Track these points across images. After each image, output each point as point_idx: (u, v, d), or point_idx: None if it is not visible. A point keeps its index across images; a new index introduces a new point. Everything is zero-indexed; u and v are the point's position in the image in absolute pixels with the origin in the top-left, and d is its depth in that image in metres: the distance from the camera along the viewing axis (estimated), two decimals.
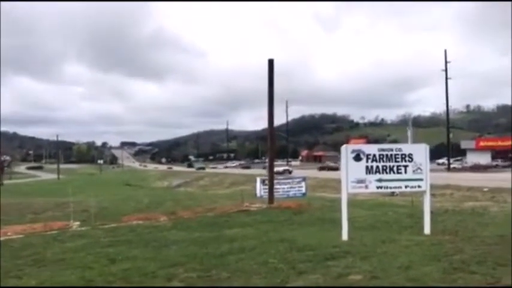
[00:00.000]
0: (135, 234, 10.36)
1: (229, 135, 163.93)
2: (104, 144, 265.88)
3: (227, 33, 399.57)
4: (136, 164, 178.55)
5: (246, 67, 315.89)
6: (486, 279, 5.70)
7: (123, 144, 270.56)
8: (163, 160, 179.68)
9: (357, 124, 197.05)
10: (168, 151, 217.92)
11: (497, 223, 10.42)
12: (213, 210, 14.85)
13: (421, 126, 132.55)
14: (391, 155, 9.12)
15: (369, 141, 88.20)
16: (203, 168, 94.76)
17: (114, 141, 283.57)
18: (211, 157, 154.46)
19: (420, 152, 9.27)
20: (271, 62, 17.35)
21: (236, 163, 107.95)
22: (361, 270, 6.26)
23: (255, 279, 5.99)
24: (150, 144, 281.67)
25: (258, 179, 18.75)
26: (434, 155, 75.41)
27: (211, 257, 7.39)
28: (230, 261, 7.03)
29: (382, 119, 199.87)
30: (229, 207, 15.39)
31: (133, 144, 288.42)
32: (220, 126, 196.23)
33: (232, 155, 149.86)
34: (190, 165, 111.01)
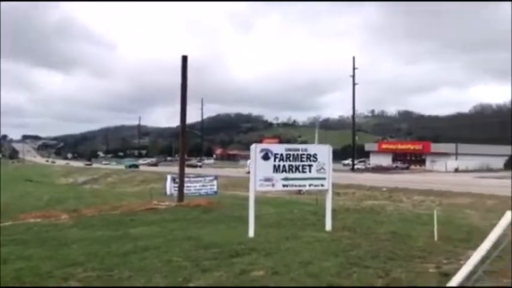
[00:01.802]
0: (32, 233, 9.72)
1: (141, 131, 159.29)
2: (4, 137, 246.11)
3: (140, 27, 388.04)
4: (39, 159, 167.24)
5: (160, 62, 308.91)
6: (377, 273, 6.10)
7: (25, 138, 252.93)
8: (69, 156, 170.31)
9: (271, 124, 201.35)
10: (74, 146, 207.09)
11: (392, 221, 11.19)
12: (119, 208, 14.36)
13: (330, 128, 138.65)
14: (297, 154, 9.43)
15: (281, 142, 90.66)
16: (136, 166, 78.64)
17: (14, 134, 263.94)
18: (121, 153, 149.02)
19: (324, 152, 9.68)
20: (185, 59, 17.14)
21: (148, 160, 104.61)
22: (264, 266, 6.39)
23: (157, 278, 5.88)
24: (55, 138, 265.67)
25: (169, 177, 18.45)
26: (341, 156, 79.67)
27: (113, 256, 7.13)
28: (133, 260, 6.84)
29: (295, 121, 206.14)
30: (136, 205, 14.96)
31: (36, 137, 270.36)
32: (133, 122, 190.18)
33: (144, 152, 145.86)
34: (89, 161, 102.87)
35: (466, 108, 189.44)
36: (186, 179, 17.38)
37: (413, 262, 6.72)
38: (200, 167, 64.16)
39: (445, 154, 68.05)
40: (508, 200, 15.65)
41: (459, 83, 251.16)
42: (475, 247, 7.60)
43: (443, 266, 6.50)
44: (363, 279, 5.80)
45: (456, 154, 68.41)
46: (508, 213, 3.02)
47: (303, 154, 9.46)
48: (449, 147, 70.02)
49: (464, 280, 3.12)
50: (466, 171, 58.17)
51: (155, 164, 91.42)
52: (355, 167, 63.70)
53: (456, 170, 60.96)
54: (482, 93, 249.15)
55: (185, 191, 16.74)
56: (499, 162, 65.91)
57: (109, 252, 7.45)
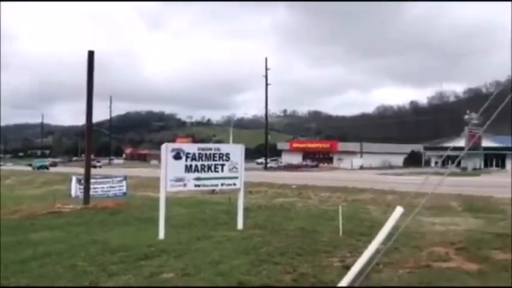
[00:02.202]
0: None
1: (44, 130, 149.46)
2: None
3: (44, 19, 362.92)
4: None
5: (65, 58, 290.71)
6: (286, 269, 6.28)
7: None
8: None
9: (184, 123, 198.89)
10: None
11: (301, 217, 11.59)
12: (18, 212, 13.34)
13: (244, 127, 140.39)
14: (210, 154, 9.42)
15: (195, 141, 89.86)
16: (46, 168, 68.43)
17: None
18: (21, 154, 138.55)
19: (236, 152, 9.77)
20: (91, 54, 16.36)
21: (51, 160, 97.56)
22: (174, 268, 6.31)
23: (60, 284, 5.56)
24: None
25: (74, 178, 17.51)
26: (255, 154, 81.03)
27: (10, 263, 6.63)
28: (32, 267, 6.42)
29: (209, 119, 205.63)
30: (37, 208, 13.99)
31: None
32: (35, 120, 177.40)
33: (47, 151, 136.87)
34: None
35: (370, 109, 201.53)
36: (92, 180, 16.61)
37: (319, 257, 7.00)
38: (100, 167, 61.60)
39: (351, 152, 71.90)
40: (406, 195, 16.90)
41: (363, 86, 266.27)
42: (365, 241, 8.10)
43: (347, 260, 6.85)
44: (272, 276, 5.94)
45: (361, 152, 72.59)
46: (398, 208, 3.25)
47: (216, 153, 9.47)
48: (354, 146, 74.13)
49: (361, 271, 3.30)
50: (370, 168, 62.03)
51: (54, 164, 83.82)
52: (268, 165, 65.06)
53: (361, 167, 64.76)
54: (383, 95, 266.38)
55: (92, 193, 15.98)
56: (399, 160, 71.02)
57: (6, 259, 6.90)
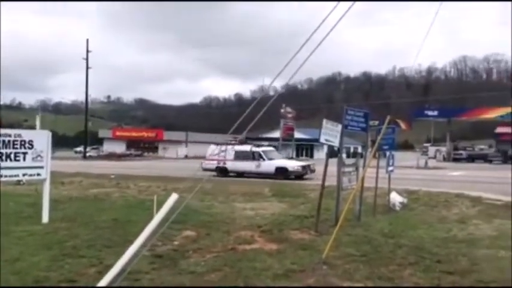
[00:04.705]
0: None
1: None
2: None
3: None
4: None
5: None
6: (91, 262, 6.04)
7: None
8: None
9: None
10: None
11: (115, 208, 11.22)
12: None
13: (62, 113, 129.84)
14: (10, 141, 8.48)
15: (2, 126, 79.80)
16: None
17: None
18: None
19: (41, 139, 8.97)
20: None
21: None
22: None
23: None
24: None
25: None
26: (74, 142, 75.69)
27: None
28: None
29: (20, 103, 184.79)
30: None
31: None
32: None
33: None
34: None
35: (197, 99, 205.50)
36: None
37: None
38: None
39: (177, 142, 72.41)
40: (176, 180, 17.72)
41: (192, 76, 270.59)
42: (178, 228, 8.31)
43: (157, 249, 6.92)
44: (74, 270, 5.66)
45: (186, 142, 73.64)
46: (173, 195, 3.42)
47: (16, 141, 8.55)
48: (180, 135, 74.86)
49: (138, 250, 3.42)
50: (195, 157, 63.39)
51: None
52: (88, 154, 61.39)
53: (186, 157, 65.72)
54: (211, 86, 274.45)
55: None
56: None
57: None
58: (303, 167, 23.77)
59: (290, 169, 23.37)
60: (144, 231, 3.36)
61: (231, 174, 24.64)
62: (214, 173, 23.59)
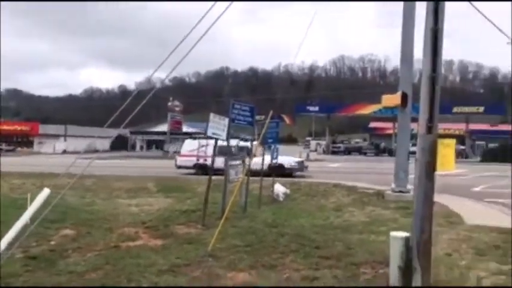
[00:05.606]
0: None
1: None
2: None
3: None
4: None
5: None
6: None
7: None
8: None
9: None
10: None
11: None
12: None
13: None
14: None
15: None
16: None
17: None
18: None
19: None
20: None
21: None
22: None
23: None
24: None
25: None
26: None
27: None
28: None
29: None
30: None
31: None
32: None
33: None
34: None
35: (78, 91, 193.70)
36: None
37: None
38: None
39: (54, 136, 67.60)
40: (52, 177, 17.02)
41: (71, 66, 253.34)
42: (56, 227, 7.85)
43: (31, 250, 6.45)
44: None
45: (65, 136, 69.06)
46: (46, 189, 3.26)
47: None
48: (58, 128, 69.92)
49: (4, 252, 3.19)
50: (74, 152, 59.61)
51: None
52: None
53: (64, 152, 61.61)
54: (93, 78, 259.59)
55: None
56: (106, 144, 70.73)
57: None
58: (299, 163, 22.61)
59: (287, 166, 21.13)
60: (11, 229, 3.10)
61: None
62: (192, 171, 22.29)
